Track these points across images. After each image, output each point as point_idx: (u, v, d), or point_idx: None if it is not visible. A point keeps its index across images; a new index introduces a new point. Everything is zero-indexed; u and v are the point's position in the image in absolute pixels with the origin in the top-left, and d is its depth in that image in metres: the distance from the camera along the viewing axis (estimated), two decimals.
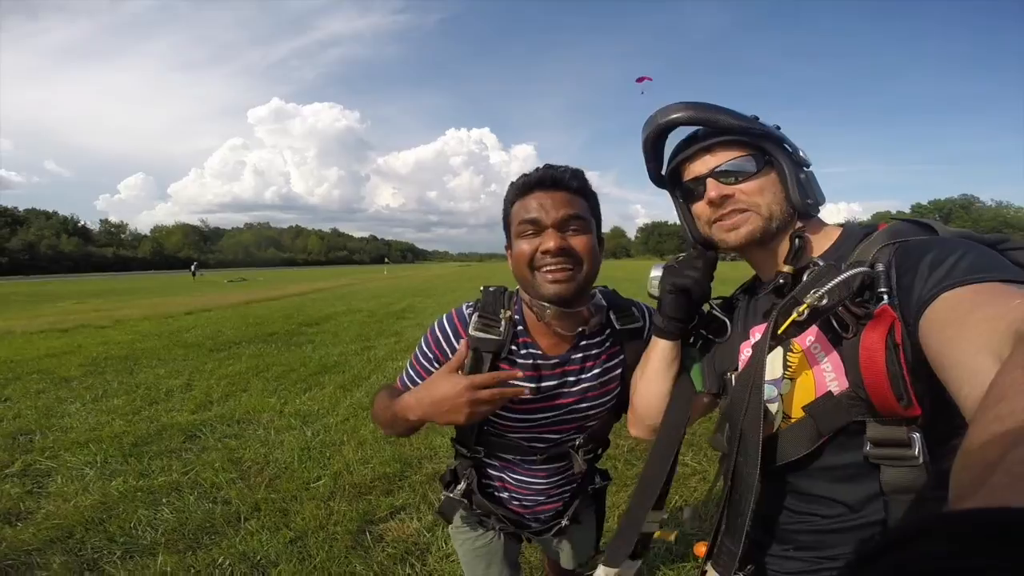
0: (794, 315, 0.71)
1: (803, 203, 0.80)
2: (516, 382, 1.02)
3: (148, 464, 3.31)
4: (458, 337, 1.09)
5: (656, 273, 0.96)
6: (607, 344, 1.12)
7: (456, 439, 1.21)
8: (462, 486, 1.22)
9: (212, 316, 11.66)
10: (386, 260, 66.70)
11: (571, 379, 1.09)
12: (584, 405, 1.11)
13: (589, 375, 1.10)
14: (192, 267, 49.11)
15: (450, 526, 1.33)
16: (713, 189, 0.82)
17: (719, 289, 0.98)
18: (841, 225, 0.86)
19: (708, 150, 0.84)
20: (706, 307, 0.98)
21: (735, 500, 0.74)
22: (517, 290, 1.14)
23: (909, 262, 0.67)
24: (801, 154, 0.83)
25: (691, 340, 0.98)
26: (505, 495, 1.21)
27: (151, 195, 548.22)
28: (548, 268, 0.98)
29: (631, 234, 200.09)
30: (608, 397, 1.13)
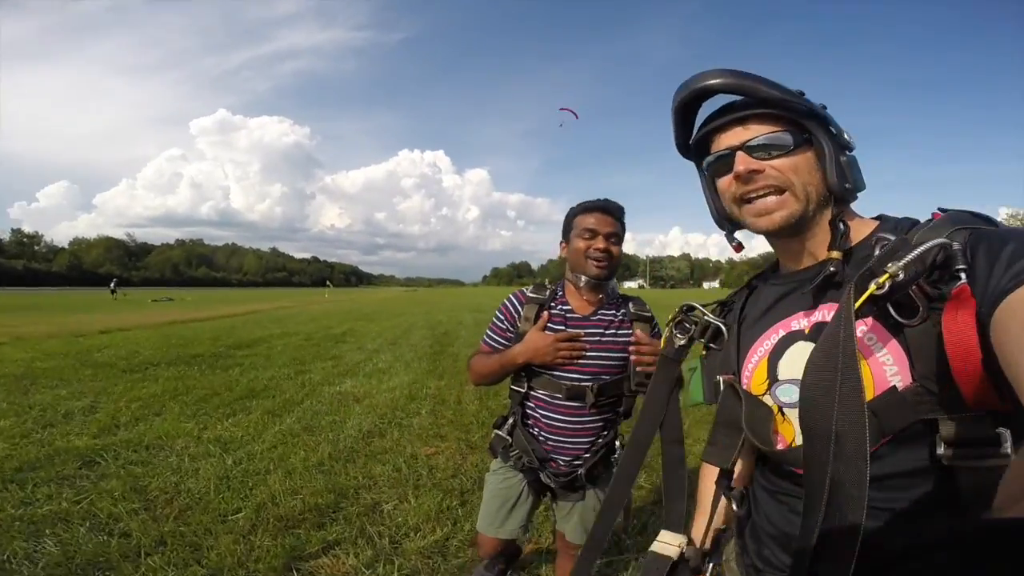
0: (872, 288, 0.61)
1: (841, 186, 0.73)
2: (570, 336, 1.56)
3: (32, 491, 2.94)
4: (520, 303, 1.65)
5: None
6: (621, 319, 1.63)
7: (512, 379, 1.66)
8: (509, 423, 1.67)
9: (130, 336, 10.83)
10: (328, 283, 64.64)
11: (589, 330, 1.58)
12: (596, 355, 1.57)
13: (601, 331, 1.59)
14: (111, 284, 45.51)
15: (489, 468, 1.80)
16: (741, 163, 0.75)
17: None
18: (876, 218, 0.80)
19: (742, 122, 0.77)
20: (700, 314, 0.95)
21: (835, 526, 0.57)
22: (560, 282, 1.70)
23: (986, 247, 0.60)
24: (846, 137, 0.76)
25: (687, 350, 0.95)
26: (536, 431, 1.63)
27: (74, 205, 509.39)
28: (595, 259, 1.54)
29: None
30: (614, 354, 1.59)
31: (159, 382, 6.04)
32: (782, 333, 0.79)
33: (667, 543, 0.93)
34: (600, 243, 1.55)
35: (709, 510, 0.92)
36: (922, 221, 0.71)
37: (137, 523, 2.61)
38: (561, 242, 1.68)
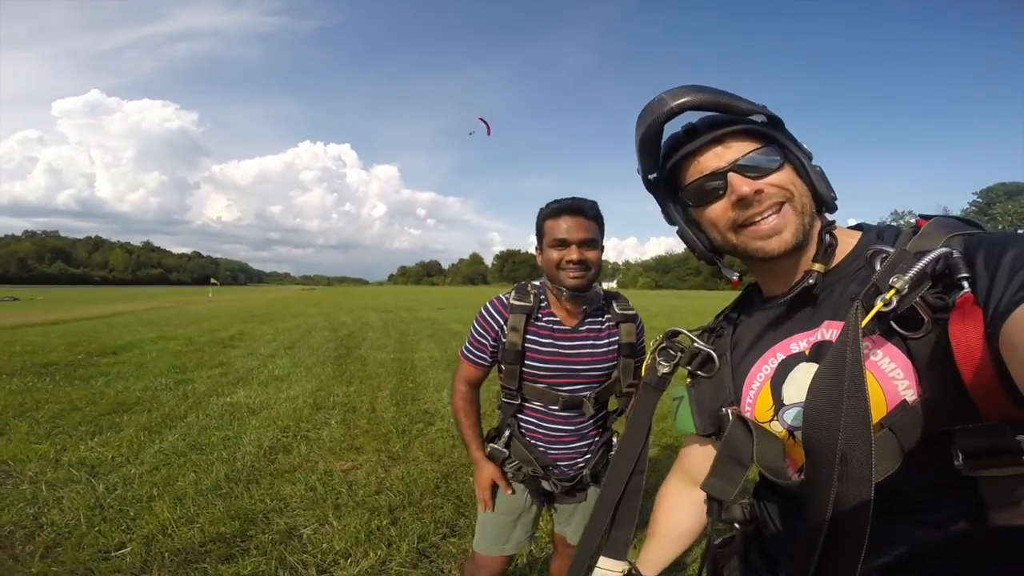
0: (879, 304, 0.59)
1: (829, 195, 0.72)
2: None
3: None
4: (500, 313, 1.52)
5: None
6: (608, 325, 1.55)
7: (503, 392, 1.57)
8: (505, 435, 1.58)
9: None
10: (212, 281, 58.77)
11: (579, 343, 1.51)
12: (588, 366, 1.51)
13: (592, 343, 1.52)
14: None
15: None
16: (743, 185, 0.70)
17: None
18: (856, 227, 0.79)
19: (719, 141, 0.72)
20: (686, 339, 0.90)
21: (837, 552, 0.57)
22: (540, 282, 1.57)
23: (985, 254, 0.59)
24: (805, 147, 0.74)
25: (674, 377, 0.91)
26: (535, 442, 1.56)
27: None
28: (570, 270, 1.42)
29: (488, 261, 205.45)
30: (608, 364, 1.53)
31: None
32: (780, 357, 0.76)
33: (609, 570, 0.94)
34: (573, 254, 1.41)
35: (665, 535, 0.96)
36: (904, 229, 0.72)
37: None
38: (536, 247, 1.56)
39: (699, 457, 0.91)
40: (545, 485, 1.59)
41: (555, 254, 1.44)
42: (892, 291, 0.59)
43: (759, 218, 0.71)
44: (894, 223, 0.79)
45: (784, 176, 0.71)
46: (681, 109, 0.70)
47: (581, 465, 1.58)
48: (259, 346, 9.61)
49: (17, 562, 2.22)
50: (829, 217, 0.76)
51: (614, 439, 1.62)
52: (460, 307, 22.95)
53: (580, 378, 1.52)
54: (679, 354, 0.90)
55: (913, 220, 0.74)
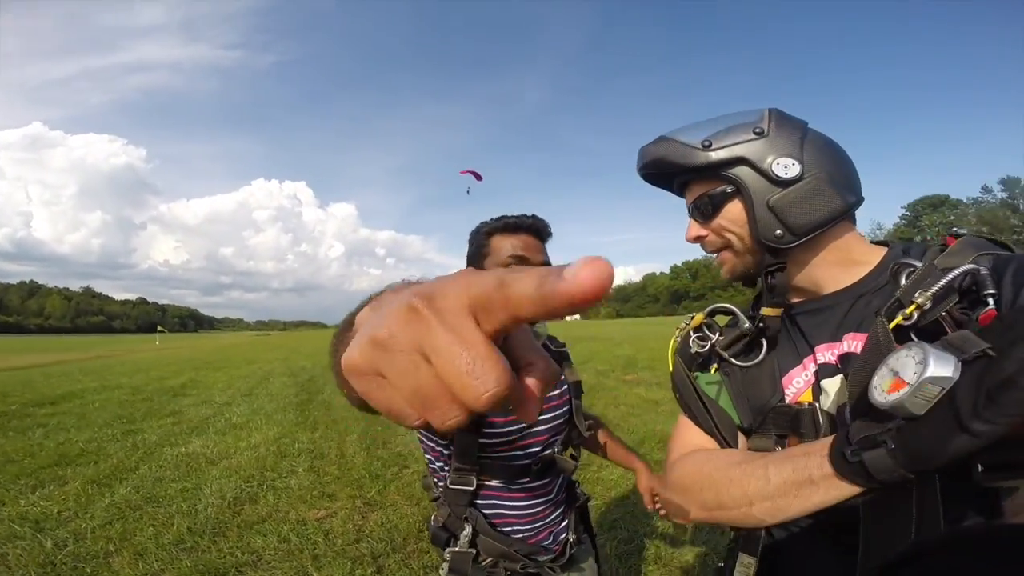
0: (899, 318, 0.61)
1: (769, 234, 0.71)
2: None
3: None
4: None
5: (944, 371, 0.47)
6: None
7: (450, 478, 1.17)
8: (467, 532, 1.17)
9: None
10: (159, 328, 55.88)
11: None
12: (549, 415, 1.24)
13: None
14: None
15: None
16: (689, 231, 0.79)
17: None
18: (883, 243, 0.79)
19: (685, 186, 0.81)
20: (739, 321, 0.83)
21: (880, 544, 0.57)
22: None
23: (1013, 273, 0.59)
24: (779, 168, 0.70)
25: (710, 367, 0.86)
26: (509, 529, 1.21)
27: None
28: None
29: None
30: (564, 409, 1.27)
31: None
32: (814, 366, 0.76)
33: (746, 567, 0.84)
34: None
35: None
36: (933, 247, 0.71)
37: None
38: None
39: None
40: (531, 570, 1.24)
41: None
42: (913, 306, 0.60)
43: (712, 253, 0.80)
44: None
45: (726, 219, 0.76)
46: (642, 174, 0.81)
47: (563, 535, 1.28)
48: (213, 394, 9.10)
49: None
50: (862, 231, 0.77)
51: (578, 490, 1.38)
52: None
53: (540, 433, 1.23)
54: (717, 335, 0.84)
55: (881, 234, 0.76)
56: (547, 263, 1.19)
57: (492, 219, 1.22)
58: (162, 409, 7.38)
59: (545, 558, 1.24)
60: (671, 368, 0.88)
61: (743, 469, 0.67)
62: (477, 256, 1.21)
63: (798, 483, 0.59)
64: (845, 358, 0.73)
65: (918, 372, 0.47)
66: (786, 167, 0.70)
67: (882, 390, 0.51)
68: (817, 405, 0.72)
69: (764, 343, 0.81)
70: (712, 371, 0.85)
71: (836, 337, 0.75)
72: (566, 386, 1.29)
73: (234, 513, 3.35)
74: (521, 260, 1.16)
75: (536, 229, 1.21)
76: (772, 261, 0.74)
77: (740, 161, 0.72)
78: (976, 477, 0.56)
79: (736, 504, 0.66)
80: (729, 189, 0.73)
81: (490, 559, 1.19)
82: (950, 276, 0.60)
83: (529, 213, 1.23)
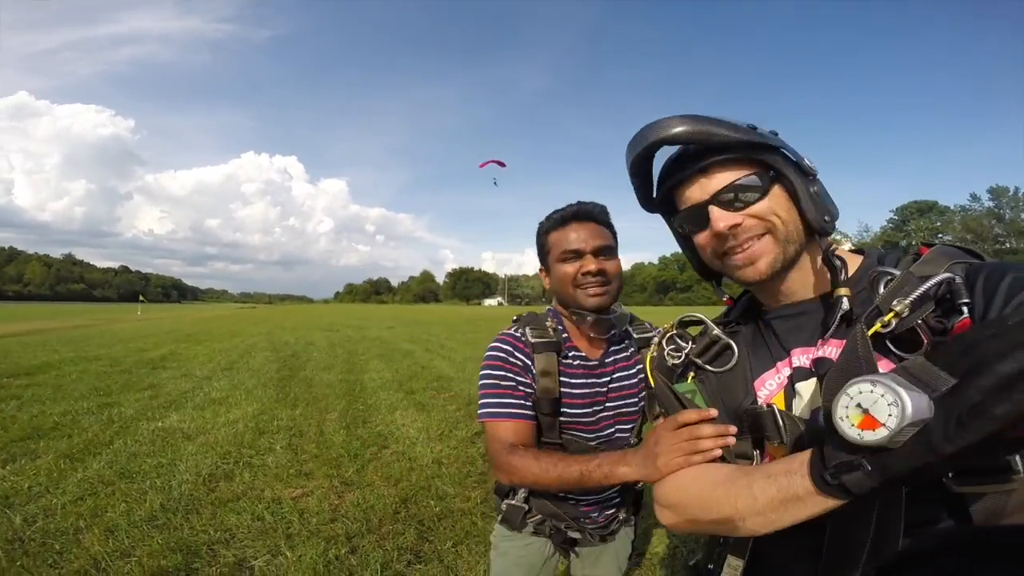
0: (877, 325, 0.62)
1: (820, 220, 0.72)
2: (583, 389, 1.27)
3: None
4: (518, 349, 1.24)
5: (922, 415, 0.47)
6: (631, 351, 1.35)
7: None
8: (525, 490, 1.31)
9: None
10: (141, 298, 55.02)
11: (610, 378, 1.30)
12: (624, 402, 1.31)
13: (622, 375, 1.32)
14: None
15: (495, 532, 1.43)
16: (720, 220, 0.72)
17: None
18: (858, 250, 0.80)
19: (704, 172, 0.73)
20: (695, 330, 0.87)
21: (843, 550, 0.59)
22: (548, 311, 1.36)
23: (984, 281, 0.61)
24: (807, 163, 0.73)
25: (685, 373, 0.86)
26: (563, 495, 1.31)
27: None
28: (589, 285, 1.22)
29: (440, 279, 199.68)
30: (639, 396, 1.32)
31: None
32: (788, 370, 0.77)
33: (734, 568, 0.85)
34: (591, 264, 1.21)
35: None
36: (907, 256, 0.72)
37: None
38: (540, 268, 1.37)
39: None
40: (572, 534, 1.35)
41: (569, 268, 1.24)
42: (891, 313, 0.62)
43: (738, 249, 0.73)
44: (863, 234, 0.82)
45: (767, 205, 0.72)
46: (661, 144, 0.72)
47: (613, 511, 1.38)
48: (193, 367, 9.02)
49: None
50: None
51: None
52: (410, 325, 22.54)
53: (615, 418, 1.31)
54: (689, 344, 0.87)
55: (867, 236, 0.75)
56: (608, 247, 1.25)
57: (547, 216, 1.32)
58: (140, 382, 7.31)
59: (590, 526, 1.35)
60: (653, 384, 0.88)
61: (727, 490, 0.68)
62: (542, 254, 1.33)
63: (785, 500, 0.61)
64: (820, 362, 0.73)
65: (896, 416, 0.47)
66: (810, 161, 0.73)
67: (851, 424, 0.51)
68: (775, 407, 0.73)
69: (735, 348, 0.81)
70: (689, 380, 0.86)
71: (812, 342, 0.75)
72: (644, 374, 1.19)
73: (209, 490, 3.34)
74: (575, 254, 1.24)
75: (585, 214, 1.26)
76: (826, 245, 0.73)
77: (776, 150, 0.72)
78: (946, 483, 0.58)
79: (728, 520, 0.67)
80: (771, 174, 0.72)
81: (540, 516, 1.34)
82: (927, 285, 0.61)
83: (580, 200, 1.29)
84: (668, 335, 0.89)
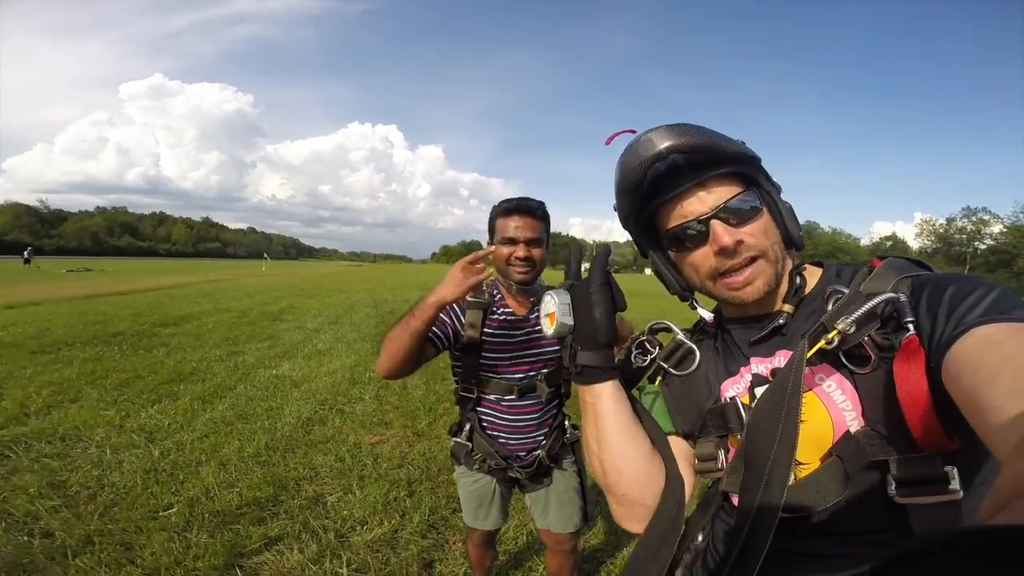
0: (822, 342, 0.65)
1: (798, 235, 0.73)
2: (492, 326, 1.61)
3: None
4: (460, 307, 1.60)
5: (561, 299, 0.78)
6: None
7: (461, 387, 1.68)
8: (466, 429, 1.69)
9: (40, 311, 9.93)
10: (265, 256, 61.36)
11: (529, 329, 1.63)
12: (538, 350, 1.64)
13: (539, 328, 1.53)
14: (25, 252, 40.67)
15: (455, 471, 1.81)
16: (726, 234, 0.70)
17: None
18: (817, 263, 0.81)
19: (702, 185, 0.71)
20: (665, 337, 0.90)
21: (753, 540, 0.63)
22: (495, 282, 1.68)
23: (928, 295, 0.62)
24: (774, 181, 0.74)
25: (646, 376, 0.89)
26: (495, 434, 1.67)
27: None
28: (518, 266, 1.55)
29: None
30: (556, 346, 1.61)
31: (74, 364, 5.60)
32: (750, 376, 0.78)
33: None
34: (520, 251, 1.54)
35: None
36: (862, 269, 0.74)
37: (59, 521, 2.46)
38: (489, 242, 1.65)
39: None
40: (511, 473, 1.69)
41: (505, 250, 1.55)
42: (835, 331, 0.64)
43: (737, 268, 0.72)
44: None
45: (760, 224, 0.72)
46: (669, 152, 0.69)
47: (537, 452, 1.67)
48: (306, 320, 10.15)
49: (79, 520, 2.51)
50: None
51: (566, 423, 1.77)
52: None
53: (533, 362, 1.64)
54: (656, 349, 0.89)
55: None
56: (537, 239, 1.55)
57: (499, 202, 1.60)
58: (262, 333, 8.37)
59: (518, 465, 1.67)
60: None
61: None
62: (490, 232, 1.61)
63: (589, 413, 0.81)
64: (776, 372, 0.75)
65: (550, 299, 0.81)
66: (776, 179, 0.75)
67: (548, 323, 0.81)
68: (738, 399, 0.77)
69: (697, 353, 0.85)
70: (657, 383, 0.89)
71: (770, 353, 0.77)
72: None
73: (305, 432, 3.86)
74: (511, 241, 1.53)
75: (525, 209, 1.55)
76: (798, 261, 0.77)
77: (761, 170, 0.74)
78: (890, 494, 0.61)
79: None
80: (760, 193, 0.73)
81: (480, 455, 1.67)
82: (871, 304, 0.63)
83: (527, 196, 1.60)
84: (637, 340, 0.92)
